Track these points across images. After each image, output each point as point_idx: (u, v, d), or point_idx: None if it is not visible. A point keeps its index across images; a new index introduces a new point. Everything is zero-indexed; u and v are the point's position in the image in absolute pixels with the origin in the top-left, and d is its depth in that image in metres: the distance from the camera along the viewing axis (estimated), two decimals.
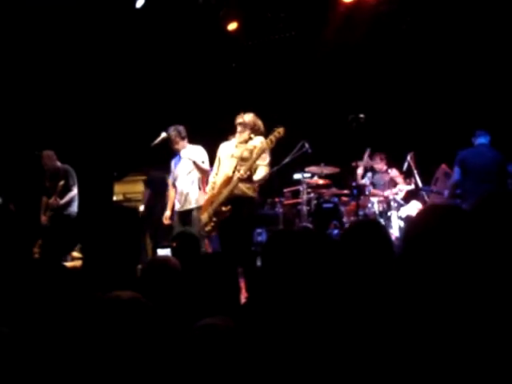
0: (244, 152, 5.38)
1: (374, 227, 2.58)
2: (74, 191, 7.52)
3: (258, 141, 5.38)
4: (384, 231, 2.61)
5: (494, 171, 6.28)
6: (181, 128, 6.40)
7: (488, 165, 6.29)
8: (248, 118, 5.49)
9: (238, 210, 5.28)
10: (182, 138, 6.35)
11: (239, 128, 5.50)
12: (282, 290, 2.20)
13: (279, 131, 5.21)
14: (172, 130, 6.36)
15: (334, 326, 1.96)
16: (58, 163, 7.62)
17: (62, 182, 7.37)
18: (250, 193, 5.33)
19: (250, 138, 5.46)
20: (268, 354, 1.88)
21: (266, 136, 5.39)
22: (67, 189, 7.43)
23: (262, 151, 5.22)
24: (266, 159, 5.39)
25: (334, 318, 2.01)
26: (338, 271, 2.33)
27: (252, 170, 5.28)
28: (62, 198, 7.38)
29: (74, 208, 7.52)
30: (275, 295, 2.19)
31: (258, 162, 5.30)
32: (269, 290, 2.24)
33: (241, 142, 5.48)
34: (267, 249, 2.38)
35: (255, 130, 5.49)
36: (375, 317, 1.96)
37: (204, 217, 5.55)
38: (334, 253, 2.49)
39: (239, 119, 5.49)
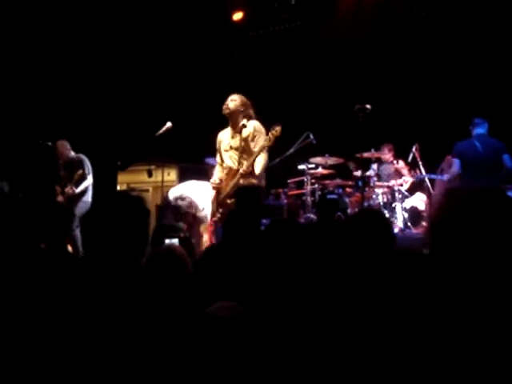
0: (241, 142, 5.43)
1: (375, 217, 2.58)
2: (89, 180, 7.51)
3: (251, 126, 5.45)
4: (385, 221, 2.62)
5: (492, 163, 6.26)
6: None
7: (485, 158, 6.28)
8: (233, 104, 5.51)
9: (243, 199, 5.28)
10: None
11: (230, 118, 5.56)
12: (276, 278, 2.19)
13: (277, 130, 5.22)
14: None
15: (332, 312, 1.97)
16: (72, 153, 7.64)
17: (80, 172, 7.37)
18: (255, 182, 5.34)
19: (244, 126, 5.45)
20: (276, 339, 1.89)
21: (255, 114, 5.57)
22: (83, 178, 7.44)
23: (263, 148, 5.29)
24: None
25: (331, 304, 2.01)
26: (340, 259, 2.33)
27: (254, 163, 5.33)
28: (77, 187, 7.38)
29: (89, 198, 7.52)
30: (270, 283, 2.19)
31: (255, 150, 5.37)
32: (265, 278, 2.23)
33: (236, 132, 5.53)
34: (265, 237, 2.37)
35: (245, 113, 5.52)
36: (376, 306, 1.96)
37: (212, 207, 5.60)
38: (336, 241, 2.49)
39: (225, 110, 5.52)
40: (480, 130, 6.50)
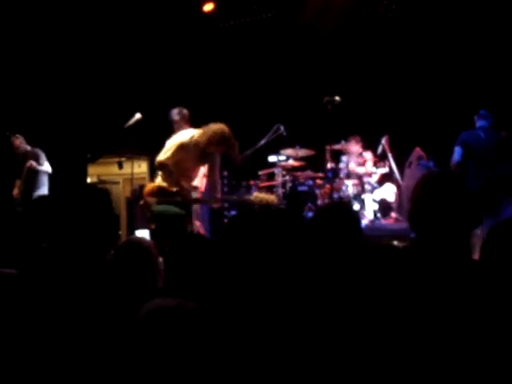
0: None
1: (343, 208, 2.61)
2: (46, 167, 7.45)
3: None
4: (352, 212, 2.64)
5: (493, 156, 6.28)
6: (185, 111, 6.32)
7: (486, 149, 6.27)
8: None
9: None
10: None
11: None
12: (240, 273, 2.18)
13: None
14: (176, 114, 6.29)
15: (298, 303, 1.97)
16: (28, 147, 7.56)
17: (28, 164, 7.33)
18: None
19: None
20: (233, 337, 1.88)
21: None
22: (34, 171, 7.38)
23: None
24: None
25: (297, 295, 2.02)
26: (307, 252, 2.34)
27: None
28: (28, 179, 7.34)
29: (45, 191, 7.47)
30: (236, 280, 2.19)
31: None
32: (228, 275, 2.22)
33: None
34: (227, 231, 2.36)
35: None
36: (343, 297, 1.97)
37: None
38: (304, 234, 2.49)
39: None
40: (483, 123, 6.45)
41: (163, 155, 5.54)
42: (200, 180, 6.01)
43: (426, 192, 1.96)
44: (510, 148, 6.51)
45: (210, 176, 5.74)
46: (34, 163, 7.34)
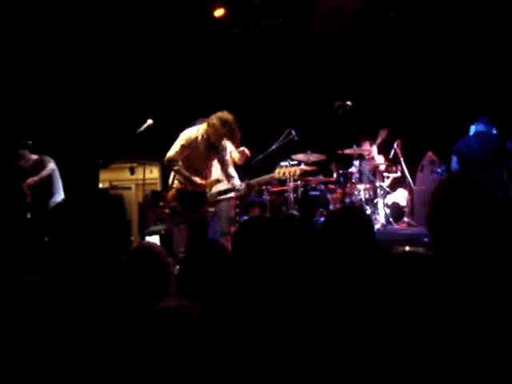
0: None
1: (356, 212, 2.59)
2: (50, 166, 7.31)
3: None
4: (365, 216, 2.62)
5: (489, 160, 6.26)
6: None
7: (479, 156, 6.27)
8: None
9: None
10: None
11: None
12: (250, 275, 2.17)
13: None
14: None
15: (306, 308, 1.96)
16: (34, 157, 7.43)
17: (34, 179, 7.18)
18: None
19: None
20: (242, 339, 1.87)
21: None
22: (46, 180, 7.26)
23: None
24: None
25: (306, 300, 2.00)
26: (319, 256, 2.32)
27: None
28: (40, 189, 7.23)
29: (60, 197, 7.40)
30: (245, 281, 2.18)
31: None
32: (238, 275, 2.21)
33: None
34: (237, 235, 2.35)
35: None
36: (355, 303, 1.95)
37: None
38: (316, 239, 2.47)
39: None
40: (480, 128, 6.46)
41: (172, 150, 5.57)
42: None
43: (446, 196, 1.92)
44: None
45: (222, 170, 5.75)
46: (35, 179, 7.19)
